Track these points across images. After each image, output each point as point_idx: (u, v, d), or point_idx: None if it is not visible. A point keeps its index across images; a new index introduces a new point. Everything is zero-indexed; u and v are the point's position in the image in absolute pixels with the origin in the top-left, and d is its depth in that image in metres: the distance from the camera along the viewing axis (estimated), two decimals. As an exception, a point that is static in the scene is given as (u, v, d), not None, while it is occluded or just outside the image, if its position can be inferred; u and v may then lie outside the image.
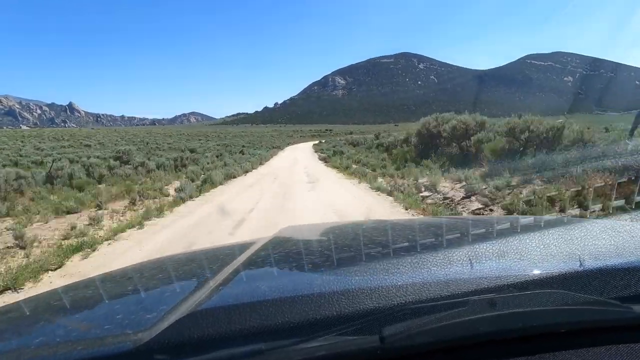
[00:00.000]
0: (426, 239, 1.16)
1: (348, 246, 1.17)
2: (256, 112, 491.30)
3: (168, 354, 0.58)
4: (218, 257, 1.25)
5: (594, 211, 4.86)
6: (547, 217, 1.45)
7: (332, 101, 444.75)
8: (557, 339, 0.64)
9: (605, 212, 4.71)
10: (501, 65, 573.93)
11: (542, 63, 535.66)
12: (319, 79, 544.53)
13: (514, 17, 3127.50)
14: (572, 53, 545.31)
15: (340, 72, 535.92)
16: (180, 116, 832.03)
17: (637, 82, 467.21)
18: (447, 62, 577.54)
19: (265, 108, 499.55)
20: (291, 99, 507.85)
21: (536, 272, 0.70)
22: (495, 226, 1.25)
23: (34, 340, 0.69)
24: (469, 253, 0.89)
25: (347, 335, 0.59)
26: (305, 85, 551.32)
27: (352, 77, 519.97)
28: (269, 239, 1.29)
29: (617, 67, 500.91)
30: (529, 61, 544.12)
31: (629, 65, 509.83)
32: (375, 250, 1.06)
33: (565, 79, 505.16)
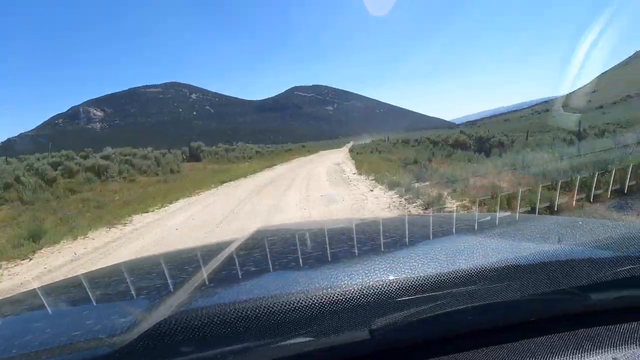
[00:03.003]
0: (410, 235, 1.18)
1: (329, 243, 1.15)
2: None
3: (146, 358, 0.56)
4: (194, 257, 1.20)
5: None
6: (524, 213, 1.68)
7: (90, 134, 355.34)
8: (528, 327, 0.69)
9: None
10: (273, 95, 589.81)
11: (307, 94, 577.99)
12: (65, 110, 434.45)
13: (279, 52, 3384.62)
14: (328, 86, 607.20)
15: (96, 103, 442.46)
16: None
17: (377, 111, 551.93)
18: (222, 92, 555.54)
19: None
20: (24, 134, 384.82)
21: (510, 264, 0.73)
22: (476, 222, 1.29)
23: None
24: (451, 248, 0.93)
25: (337, 329, 0.60)
26: (46, 118, 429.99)
27: (113, 108, 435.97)
28: (247, 237, 1.26)
29: (362, 98, 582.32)
30: (296, 93, 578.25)
31: (370, 98, 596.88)
32: (357, 246, 1.06)
33: (327, 108, 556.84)
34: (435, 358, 0.63)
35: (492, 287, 0.68)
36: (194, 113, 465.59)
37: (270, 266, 0.92)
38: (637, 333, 0.67)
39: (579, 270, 0.72)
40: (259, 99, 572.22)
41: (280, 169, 21.00)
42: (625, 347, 0.63)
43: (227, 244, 1.22)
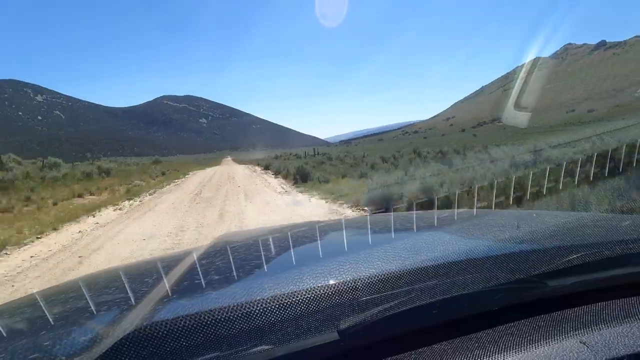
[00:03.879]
0: (372, 235, 1.19)
1: (293, 247, 1.13)
2: None
3: None
4: (155, 268, 1.17)
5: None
6: (481, 208, 1.52)
7: None
8: (493, 317, 0.70)
9: None
10: (138, 104, 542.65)
11: (178, 104, 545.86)
12: None
13: (148, 56, 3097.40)
14: (202, 98, 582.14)
15: None
16: None
17: (254, 127, 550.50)
18: (76, 96, 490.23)
19: None
20: None
21: (471, 257, 0.75)
22: (435, 218, 1.31)
23: None
24: (412, 246, 0.94)
25: (306, 332, 0.61)
26: None
27: None
28: (209, 245, 1.24)
29: (238, 113, 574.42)
30: (165, 102, 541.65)
31: (246, 112, 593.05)
32: (321, 248, 1.07)
33: (201, 120, 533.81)
34: (404, 353, 0.63)
35: (454, 281, 0.70)
36: (39, 118, 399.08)
37: (235, 273, 0.91)
38: (599, 315, 0.70)
39: (535, 259, 0.75)
40: (122, 106, 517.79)
41: None
42: (591, 329, 0.65)
43: (187, 253, 1.20)
